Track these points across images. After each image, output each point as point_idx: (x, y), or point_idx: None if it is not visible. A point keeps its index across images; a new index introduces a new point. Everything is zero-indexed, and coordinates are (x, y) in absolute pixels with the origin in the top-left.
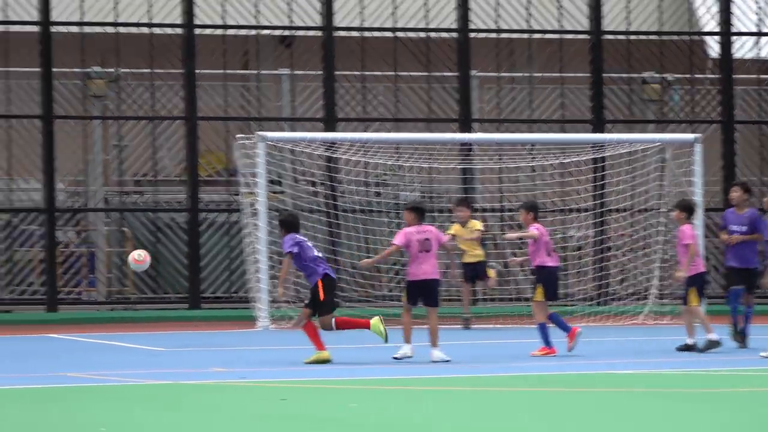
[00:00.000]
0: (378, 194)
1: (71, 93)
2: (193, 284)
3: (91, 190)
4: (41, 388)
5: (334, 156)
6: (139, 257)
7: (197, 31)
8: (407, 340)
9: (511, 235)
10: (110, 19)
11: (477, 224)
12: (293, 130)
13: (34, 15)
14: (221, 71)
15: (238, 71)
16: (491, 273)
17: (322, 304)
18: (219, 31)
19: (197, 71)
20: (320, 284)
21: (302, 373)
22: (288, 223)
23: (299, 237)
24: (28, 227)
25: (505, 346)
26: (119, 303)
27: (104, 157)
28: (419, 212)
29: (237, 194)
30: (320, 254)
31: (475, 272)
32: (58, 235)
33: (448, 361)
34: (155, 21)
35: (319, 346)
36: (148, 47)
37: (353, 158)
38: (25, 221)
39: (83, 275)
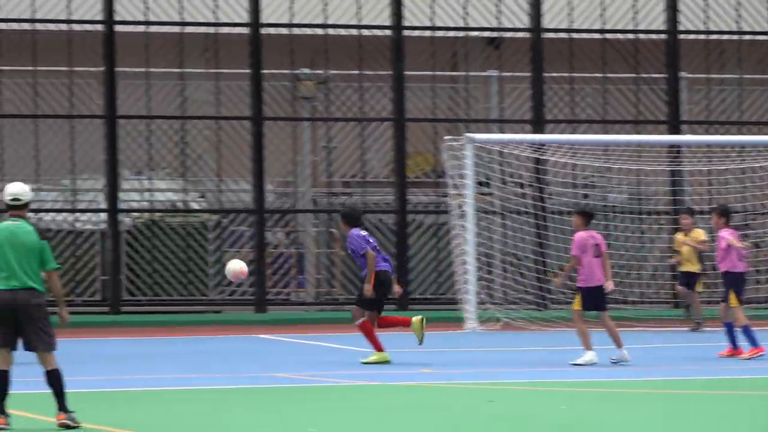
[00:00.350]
0: (585, 196)
1: (280, 95)
2: (401, 286)
3: (300, 192)
4: (251, 389)
5: (542, 158)
6: (242, 271)
7: (406, 32)
8: (589, 347)
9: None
10: (319, 21)
11: (701, 234)
12: (501, 131)
13: (244, 17)
14: (429, 73)
15: (446, 73)
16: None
17: (368, 300)
18: (427, 33)
19: (406, 73)
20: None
21: (510, 375)
22: (352, 218)
23: (363, 232)
24: (238, 228)
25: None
26: (327, 304)
27: (313, 158)
28: (588, 217)
29: (445, 196)
30: (379, 249)
31: (690, 280)
32: (268, 236)
33: (627, 361)
34: (364, 23)
35: (377, 346)
36: (356, 49)
37: (561, 160)
38: (234, 222)
39: (292, 276)
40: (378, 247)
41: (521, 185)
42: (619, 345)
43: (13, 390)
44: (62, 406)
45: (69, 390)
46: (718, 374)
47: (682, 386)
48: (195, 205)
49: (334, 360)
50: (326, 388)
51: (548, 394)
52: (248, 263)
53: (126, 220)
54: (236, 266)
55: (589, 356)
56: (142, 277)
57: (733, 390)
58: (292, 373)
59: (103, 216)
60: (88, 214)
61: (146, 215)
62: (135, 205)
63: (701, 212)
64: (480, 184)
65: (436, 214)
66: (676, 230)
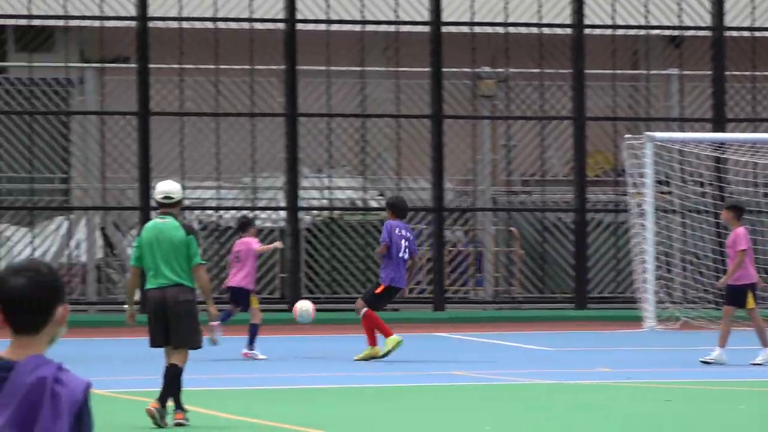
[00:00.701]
0: (766, 195)
1: (461, 93)
2: (580, 284)
3: (479, 190)
4: (428, 386)
5: (723, 156)
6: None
7: (586, 31)
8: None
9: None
10: (500, 20)
11: None
12: (681, 130)
13: (425, 15)
14: (610, 71)
15: (627, 71)
16: None
17: (376, 297)
18: (608, 31)
19: (586, 71)
20: (382, 287)
21: (689, 374)
22: (398, 209)
23: (398, 225)
24: (417, 226)
25: None
26: (505, 302)
27: (492, 156)
28: (740, 212)
29: (624, 194)
30: (406, 256)
31: None
32: (446, 235)
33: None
34: (544, 21)
35: (372, 341)
36: (537, 47)
37: (742, 159)
38: (413, 220)
39: (470, 274)
40: (406, 247)
41: (701, 184)
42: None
43: (189, 387)
44: (162, 398)
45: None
46: None
47: None
48: (374, 204)
49: (511, 358)
50: (503, 387)
51: (726, 394)
52: (426, 261)
53: (305, 218)
54: (307, 307)
55: (719, 354)
56: (321, 275)
57: None
58: (470, 371)
59: (283, 214)
60: (268, 211)
61: (325, 213)
62: (315, 203)
63: None
64: (659, 182)
65: (616, 212)
66: None
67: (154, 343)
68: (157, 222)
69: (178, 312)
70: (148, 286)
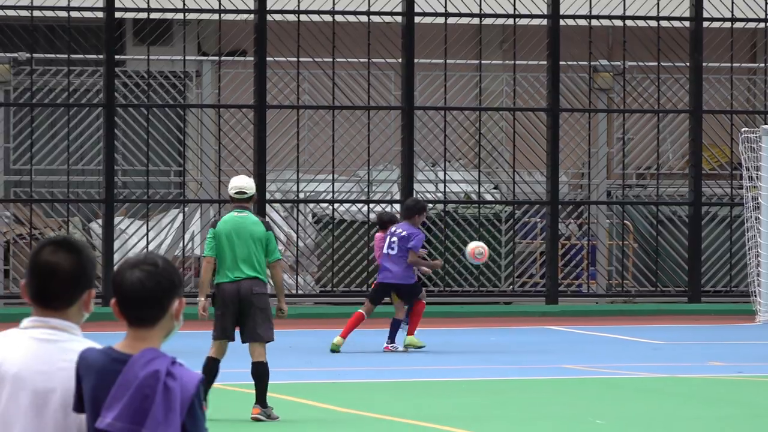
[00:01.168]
0: None
1: (577, 86)
2: (694, 278)
3: (594, 183)
4: (541, 380)
5: None
6: (479, 254)
7: (705, 24)
8: None
9: None
10: (618, 13)
11: None
12: None
13: (543, 8)
14: (727, 64)
15: (744, 64)
16: None
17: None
18: (726, 24)
19: (704, 64)
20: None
21: None
22: (411, 210)
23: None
24: (530, 219)
25: None
26: (618, 296)
27: (608, 149)
28: None
29: (740, 188)
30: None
31: None
32: (561, 228)
33: None
34: (663, 14)
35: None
36: (654, 40)
37: None
38: (528, 214)
39: (584, 267)
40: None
41: None
42: None
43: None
44: (260, 400)
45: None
46: None
47: None
48: (488, 197)
49: (624, 352)
50: (614, 380)
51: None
52: (540, 255)
53: None
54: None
55: None
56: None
57: None
58: (580, 365)
59: (398, 207)
60: (383, 205)
61: (439, 206)
62: (429, 196)
63: None
64: None
65: (731, 206)
66: None
67: (221, 335)
68: (235, 216)
69: (253, 305)
70: (222, 279)
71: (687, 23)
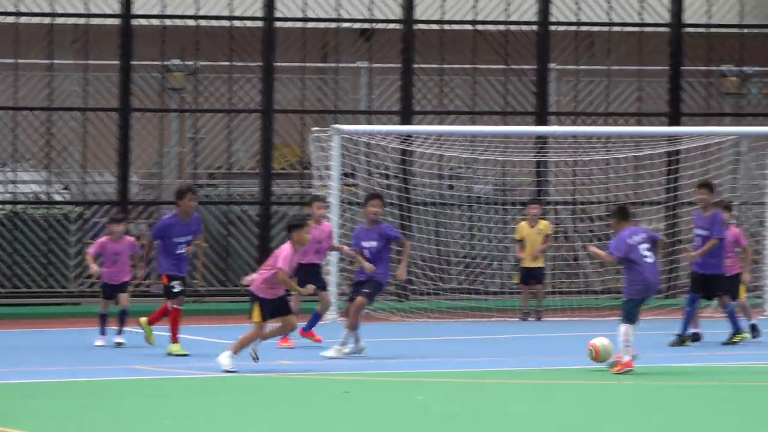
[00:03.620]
0: (451, 187)
1: (149, 85)
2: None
3: (164, 183)
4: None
5: (409, 149)
6: None
7: (277, 24)
8: None
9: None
10: (191, 12)
11: (547, 226)
12: (369, 123)
13: (116, 8)
14: (299, 64)
15: (316, 64)
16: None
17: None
18: (299, 24)
19: (276, 64)
20: None
21: (368, 366)
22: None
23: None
24: (101, 220)
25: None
26: (188, 296)
27: (180, 149)
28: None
29: (310, 187)
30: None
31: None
32: (131, 228)
33: None
34: (236, 14)
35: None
36: (227, 40)
37: (428, 151)
38: (98, 214)
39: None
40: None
41: (387, 176)
42: None
43: None
44: None
45: None
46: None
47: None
48: (58, 197)
49: (202, 352)
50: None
51: (403, 385)
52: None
53: None
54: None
55: None
56: (2, 269)
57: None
58: (152, 366)
59: None
60: None
61: (8, 207)
62: None
63: (565, 203)
64: (345, 175)
65: (301, 205)
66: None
67: None
68: None
69: None
70: None
71: (260, 23)
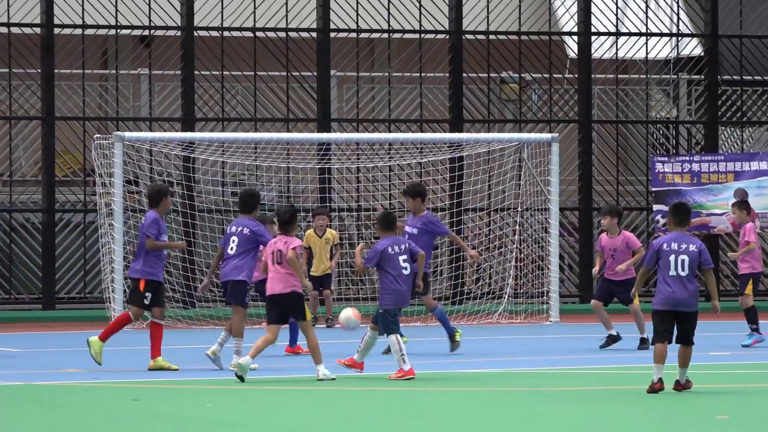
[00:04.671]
0: (234, 194)
1: None
2: (48, 285)
3: None
4: None
5: (192, 156)
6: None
7: (56, 30)
8: None
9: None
10: None
11: (334, 235)
12: (152, 130)
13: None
14: (80, 71)
15: (96, 71)
16: None
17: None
18: (78, 31)
19: (56, 71)
20: None
21: (155, 374)
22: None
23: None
24: None
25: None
26: None
27: None
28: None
29: (93, 194)
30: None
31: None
32: None
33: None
34: (14, 20)
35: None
36: (6, 46)
37: (211, 158)
38: None
39: None
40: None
41: (170, 183)
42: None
43: None
44: None
45: None
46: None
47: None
48: None
49: None
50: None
51: (196, 392)
52: None
53: None
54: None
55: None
56: None
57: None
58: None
59: None
60: None
61: None
62: None
63: (349, 209)
64: (129, 182)
65: (84, 212)
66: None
67: None
68: None
69: None
70: None
71: (38, 29)
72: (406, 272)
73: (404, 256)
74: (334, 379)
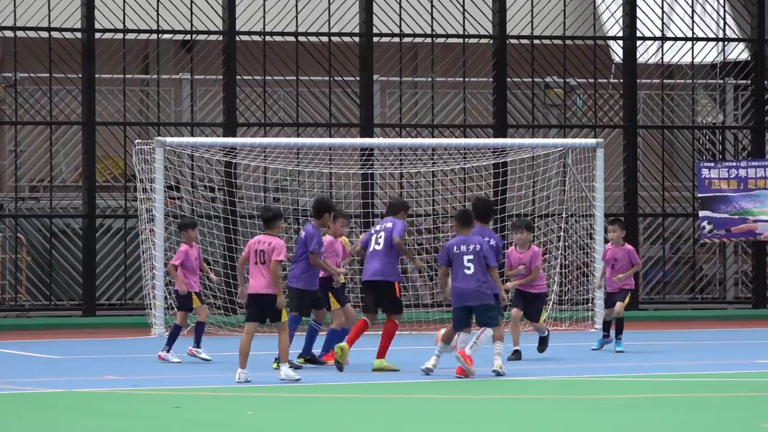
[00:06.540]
0: (277, 200)
1: None
2: (88, 291)
3: None
4: None
5: (234, 161)
6: None
7: (97, 35)
8: None
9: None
10: (9, 23)
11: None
12: (193, 135)
13: None
14: (121, 76)
15: (137, 76)
16: None
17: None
18: (119, 36)
19: (97, 76)
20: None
21: (198, 381)
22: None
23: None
24: None
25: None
26: (12, 310)
27: (1, 162)
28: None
29: (134, 200)
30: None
31: None
32: None
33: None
34: (54, 25)
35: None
36: (47, 51)
37: (253, 163)
38: None
39: None
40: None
41: (212, 189)
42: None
43: None
44: None
45: None
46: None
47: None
48: None
49: (17, 367)
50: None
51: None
52: None
53: None
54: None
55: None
56: None
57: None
58: None
59: None
60: None
61: None
62: None
63: None
64: (169, 188)
65: (125, 218)
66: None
67: None
68: None
69: None
70: None
71: (79, 34)
72: (468, 272)
73: (470, 256)
74: (298, 379)
